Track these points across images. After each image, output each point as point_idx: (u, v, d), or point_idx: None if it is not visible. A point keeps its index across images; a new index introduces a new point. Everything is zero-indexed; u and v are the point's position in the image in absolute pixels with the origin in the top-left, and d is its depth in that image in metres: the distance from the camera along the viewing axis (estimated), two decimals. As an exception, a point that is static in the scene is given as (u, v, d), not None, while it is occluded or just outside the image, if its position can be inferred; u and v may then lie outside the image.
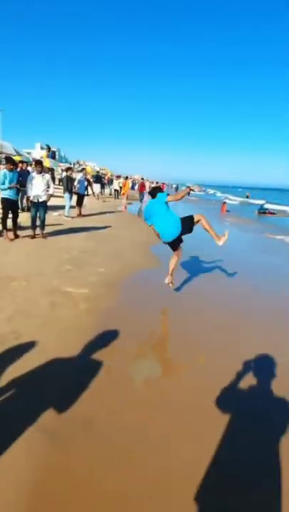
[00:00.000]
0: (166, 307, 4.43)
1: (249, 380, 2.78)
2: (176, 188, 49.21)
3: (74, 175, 12.58)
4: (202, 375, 2.86)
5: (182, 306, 4.49)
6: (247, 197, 47.27)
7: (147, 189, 24.77)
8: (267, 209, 23.22)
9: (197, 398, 2.52)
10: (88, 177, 17.54)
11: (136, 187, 32.65)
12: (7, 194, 6.95)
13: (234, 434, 2.17)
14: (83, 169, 14.63)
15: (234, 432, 2.19)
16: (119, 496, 1.71)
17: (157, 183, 35.69)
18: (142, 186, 21.67)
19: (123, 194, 19.28)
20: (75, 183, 11.98)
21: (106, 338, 3.29)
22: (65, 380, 2.58)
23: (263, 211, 22.34)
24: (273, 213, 23.46)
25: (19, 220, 7.67)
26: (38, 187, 7.34)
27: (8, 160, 7.10)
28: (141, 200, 20.51)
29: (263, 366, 3.05)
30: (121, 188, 20.69)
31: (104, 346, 3.12)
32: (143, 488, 1.76)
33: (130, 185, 21.33)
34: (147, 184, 28.41)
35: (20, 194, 8.84)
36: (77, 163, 53.62)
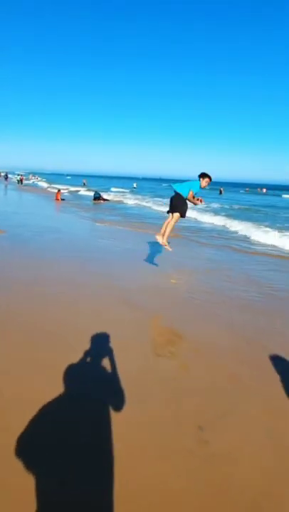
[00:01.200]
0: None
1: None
2: (6, 177, 44.95)
3: None
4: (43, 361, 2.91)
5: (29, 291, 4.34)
6: (84, 184, 48.55)
7: None
8: (101, 196, 24.58)
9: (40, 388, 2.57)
10: None
11: None
12: None
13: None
14: None
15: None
16: None
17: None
18: None
19: None
20: None
21: None
22: None
23: (97, 198, 23.53)
24: (106, 200, 25.13)
25: None
26: None
27: None
28: None
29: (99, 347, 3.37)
30: None
31: None
32: None
33: None
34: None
35: None
36: None
